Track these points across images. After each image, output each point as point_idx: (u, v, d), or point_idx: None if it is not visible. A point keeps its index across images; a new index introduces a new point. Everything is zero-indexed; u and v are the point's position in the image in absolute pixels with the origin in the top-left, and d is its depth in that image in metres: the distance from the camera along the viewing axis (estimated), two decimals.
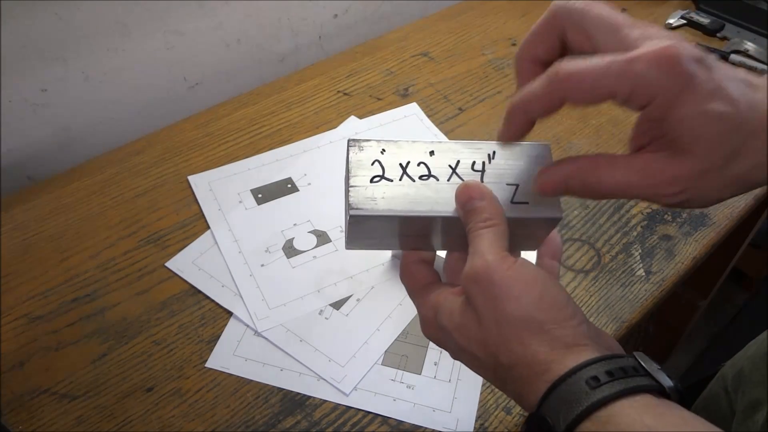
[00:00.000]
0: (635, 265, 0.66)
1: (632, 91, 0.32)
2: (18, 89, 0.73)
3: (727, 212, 0.72)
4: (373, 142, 0.38)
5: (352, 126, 0.81)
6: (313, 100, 0.85)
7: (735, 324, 1.54)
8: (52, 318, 0.61)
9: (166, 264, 0.65)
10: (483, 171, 0.38)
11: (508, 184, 0.38)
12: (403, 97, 0.85)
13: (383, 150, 0.38)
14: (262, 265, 0.65)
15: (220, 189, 0.72)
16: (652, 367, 0.32)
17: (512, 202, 0.37)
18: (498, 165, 0.38)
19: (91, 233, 0.68)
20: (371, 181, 0.37)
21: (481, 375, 0.38)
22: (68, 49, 0.74)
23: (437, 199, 0.37)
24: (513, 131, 0.36)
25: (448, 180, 0.38)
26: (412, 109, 0.83)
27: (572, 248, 0.68)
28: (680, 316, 1.31)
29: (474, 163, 0.38)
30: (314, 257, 0.66)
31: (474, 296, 0.35)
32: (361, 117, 0.82)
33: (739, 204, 0.73)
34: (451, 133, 0.80)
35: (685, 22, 1.00)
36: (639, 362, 0.33)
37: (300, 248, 0.67)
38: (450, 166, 0.38)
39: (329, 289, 0.63)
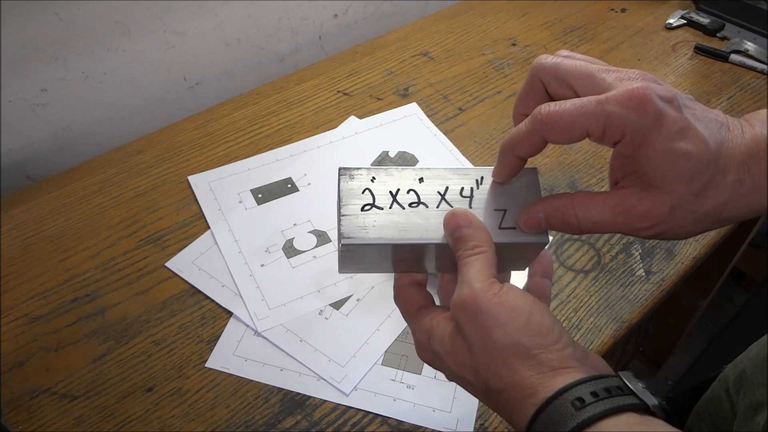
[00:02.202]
0: (635, 265, 0.66)
1: (605, 128, 0.34)
2: (18, 89, 0.73)
3: None
4: (363, 170, 0.40)
5: (352, 126, 0.81)
6: (313, 100, 0.85)
7: (735, 324, 1.54)
8: (52, 318, 0.61)
9: (166, 264, 0.65)
10: (471, 197, 0.39)
11: (495, 210, 0.39)
12: (403, 97, 0.85)
13: (373, 178, 0.39)
14: (262, 265, 0.65)
15: (220, 189, 0.72)
16: (636, 386, 0.34)
17: (500, 227, 0.39)
18: (486, 191, 0.40)
19: (91, 233, 0.68)
20: (362, 209, 0.39)
21: (476, 398, 0.39)
22: (68, 49, 0.74)
23: (427, 226, 0.38)
24: (505, 170, 0.39)
25: (438, 207, 0.39)
26: (412, 109, 0.83)
27: (572, 248, 0.68)
28: (680, 316, 1.31)
29: (462, 189, 0.39)
30: (314, 257, 0.66)
31: (462, 324, 0.36)
32: (361, 117, 0.82)
33: None
34: (451, 133, 0.80)
35: (685, 22, 1.00)
36: (624, 382, 0.34)
37: (300, 248, 0.67)
38: (439, 192, 0.39)
39: (329, 289, 0.63)
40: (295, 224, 0.69)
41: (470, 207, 0.39)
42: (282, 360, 0.58)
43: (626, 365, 1.40)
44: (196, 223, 0.69)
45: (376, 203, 0.39)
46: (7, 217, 0.69)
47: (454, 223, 0.37)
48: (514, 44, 0.96)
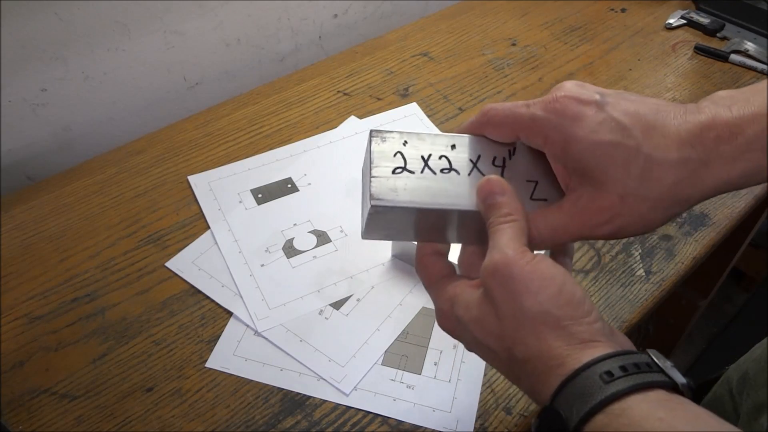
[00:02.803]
0: (635, 265, 0.66)
1: (529, 129, 0.37)
2: (18, 89, 0.73)
3: (727, 212, 0.72)
4: (395, 133, 0.39)
5: (352, 126, 0.81)
6: (313, 100, 0.85)
7: (735, 324, 1.54)
8: (52, 318, 0.61)
9: (166, 264, 0.65)
10: (504, 167, 0.39)
11: (527, 181, 0.39)
12: (403, 97, 0.85)
13: (405, 142, 0.39)
14: (262, 265, 0.65)
15: (220, 189, 0.72)
16: (665, 363, 0.33)
17: (531, 198, 0.38)
18: (518, 161, 0.39)
19: (91, 233, 0.68)
20: (393, 172, 0.38)
21: (495, 367, 0.39)
22: (68, 49, 0.74)
23: (458, 192, 0.38)
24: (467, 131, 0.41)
25: (469, 174, 0.38)
26: (412, 109, 0.83)
27: None
28: (680, 316, 1.31)
29: (495, 158, 0.39)
30: (314, 257, 0.66)
31: (492, 289, 0.35)
32: (361, 117, 0.82)
33: (739, 204, 0.73)
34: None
35: (685, 22, 1.00)
36: (652, 358, 0.33)
37: (300, 248, 0.67)
38: (471, 160, 0.39)
39: (329, 289, 0.63)
40: (295, 224, 0.69)
41: (502, 176, 0.38)
42: (282, 360, 0.58)
43: None
44: (196, 223, 0.69)
45: (407, 167, 0.38)
46: (7, 217, 0.69)
47: (487, 190, 0.37)
48: (514, 44, 0.96)
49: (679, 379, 0.32)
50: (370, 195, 0.37)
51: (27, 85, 0.74)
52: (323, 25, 0.98)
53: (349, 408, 0.55)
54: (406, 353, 0.59)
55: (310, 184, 0.73)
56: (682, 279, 0.67)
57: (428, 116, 0.82)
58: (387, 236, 0.42)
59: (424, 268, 0.42)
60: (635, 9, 1.04)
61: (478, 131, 0.40)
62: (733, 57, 0.93)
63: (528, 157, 0.39)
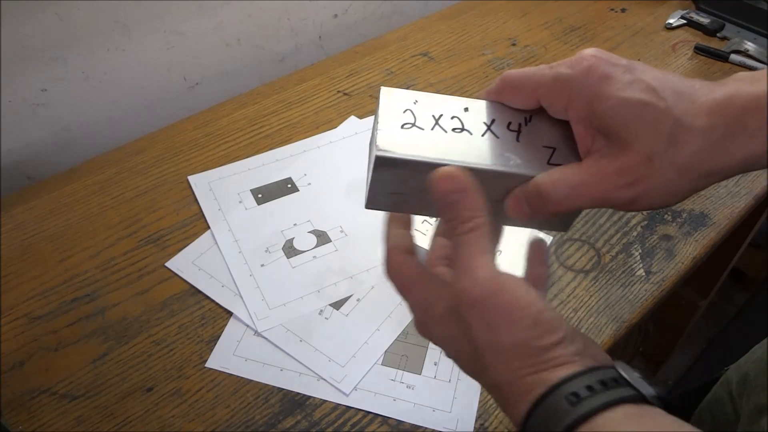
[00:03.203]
0: (635, 265, 0.66)
1: (553, 89, 0.35)
2: (18, 89, 0.73)
3: (727, 212, 0.72)
4: (405, 91, 0.37)
5: (352, 126, 0.81)
6: (313, 100, 0.85)
7: (735, 324, 1.54)
8: (52, 318, 0.61)
9: (166, 264, 0.65)
10: (519, 132, 0.37)
11: (544, 147, 0.37)
12: None
13: (416, 100, 0.37)
14: (262, 265, 0.65)
15: (220, 189, 0.72)
16: (632, 376, 0.33)
17: (548, 163, 0.36)
18: (535, 127, 0.37)
19: (91, 233, 0.68)
20: (402, 127, 0.36)
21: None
22: (68, 49, 0.74)
23: (470, 151, 0.36)
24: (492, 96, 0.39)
25: (482, 135, 0.36)
26: None
27: (572, 248, 0.68)
28: (680, 316, 1.31)
29: (510, 123, 0.37)
30: (314, 257, 0.66)
31: (467, 318, 0.34)
32: (361, 117, 0.82)
33: (739, 204, 0.73)
34: None
35: (685, 22, 1.00)
36: (619, 373, 0.33)
37: (300, 248, 0.67)
38: (485, 123, 0.37)
39: (329, 289, 0.63)
40: (295, 224, 0.69)
41: (518, 141, 0.36)
42: (282, 360, 0.58)
43: (626, 365, 1.40)
44: (196, 223, 0.69)
45: (416, 123, 0.36)
46: (7, 217, 0.69)
47: (444, 187, 0.34)
48: (514, 44, 0.96)
49: (647, 391, 0.32)
50: (376, 146, 0.35)
51: (27, 85, 0.74)
52: (323, 25, 0.98)
53: (349, 408, 0.55)
54: (406, 353, 0.59)
55: (310, 184, 0.73)
56: (682, 279, 0.67)
57: None
58: (392, 204, 0.39)
59: (394, 270, 0.39)
60: (635, 9, 1.04)
61: (496, 98, 0.38)
62: (733, 57, 0.93)
63: (545, 124, 0.37)
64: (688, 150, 0.33)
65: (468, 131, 0.36)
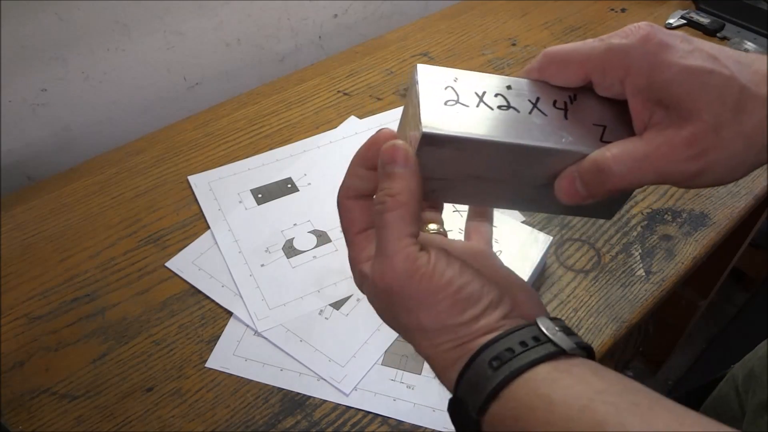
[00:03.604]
0: (635, 265, 0.66)
1: (605, 61, 0.33)
2: (18, 89, 0.73)
3: (727, 212, 0.72)
4: (444, 68, 0.35)
5: (352, 126, 0.81)
6: (313, 100, 0.85)
7: (735, 324, 1.54)
8: (52, 318, 0.61)
9: (166, 264, 0.65)
10: (566, 109, 0.35)
11: (594, 125, 0.35)
12: (403, 97, 0.85)
13: (456, 78, 0.35)
14: (262, 265, 0.65)
15: (220, 189, 0.72)
16: (553, 331, 0.32)
17: (601, 140, 0.34)
18: (582, 105, 0.35)
19: (91, 233, 0.68)
20: (445, 104, 0.33)
21: None
22: (68, 49, 0.74)
23: (520, 129, 0.33)
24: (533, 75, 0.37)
25: (530, 113, 0.34)
26: None
27: (572, 248, 0.68)
28: (680, 316, 1.31)
29: (555, 101, 0.35)
30: (314, 257, 0.66)
31: (387, 303, 0.34)
32: (361, 117, 0.82)
33: (739, 204, 0.73)
34: None
35: (685, 22, 1.00)
36: (541, 329, 0.32)
37: (300, 248, 0.67)
38: (530, 101, 0.35)
39: (329, 289, 0.63)
40: (295, 224, 0.69)
41: (565, 119, 0.34)
42: (282, 360, 0.58)
43: (626, 365, 1.40)
44: (196, 223, 0.69)
45: (460, 100, 0.33)
46: (7, 217, 0.69)
47: (389, 154, 0.33)
48: (514, 44, 0.96)
49: (567, 344, 0.31)
50: (421, 123, 0.32)
51: (27, 85, 0.74)
52: (323, 25, 0.98)
53: (349, 408, 0.55)
54: (406, 353, 0.59)
55: (310, 184, 0.73)
56: (682, 279, 0.67)
57: None
58: (431, 191, 0.36)
59: (343, 214, 0.38)
60: (635, 9, 1.04)
61: (539, 75, 0.36)
62: None
63: (592, 101, 0.35)
64: (756, 118, 0.31)
65: (515, 108, 0.34)
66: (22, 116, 0.75)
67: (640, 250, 0.68)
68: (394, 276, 0.33)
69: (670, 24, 1.00)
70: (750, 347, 0.65)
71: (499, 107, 0.34)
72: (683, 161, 0.32)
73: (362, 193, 0.37)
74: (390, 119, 0.82)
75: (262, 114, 0.83)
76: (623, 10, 1.04)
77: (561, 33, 0.98)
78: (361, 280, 0.37)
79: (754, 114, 0.31)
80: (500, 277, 0.36)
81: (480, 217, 0.41)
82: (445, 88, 0.34)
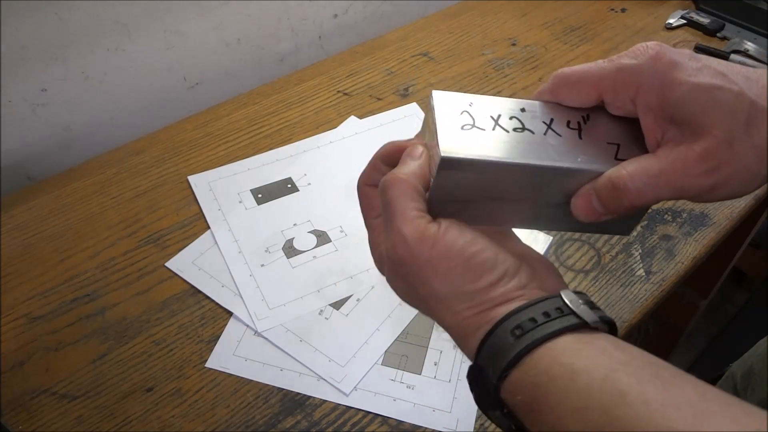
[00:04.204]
0: (635, 265, 0.66)
1: (616, 81, 0.34)
2: (18, 89, 0.73)
3: (727, 212, 0.72)
4: (458, 94, 0.36)
5: (352, 126, 0.81)
6: (313, 100, 0.85)
7: (735, 324, 1.54)
8: (52, 318, 0.61)
9: (166, 264, 0.65)
10: (580, 129, 0.36)
11: (608, 143, 0.35)
12: (403, 97, 0.85)
13: (471, 103, 0.36)
14: (262, 265, 0.65)
15: (220, 189, 0.72)
16: (577, 304, 0.33)
17: (616, 158, 0.35)
18: (596, 124, 0.36)
19: (91, 233, 0.68)
20: (462, 128, 0.35)
21: None
22: (68, 49, 0.74)
23: (536, 150, 0.34)
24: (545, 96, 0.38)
25: (544, 134, 0.35)
26: (412, 109, 0.83)
27: (572, 248, 0.68)
28: (680, 316, 1.31)
29: (569, 122, 0.36)
30: (314, 257, 0.66)
31: (403, 275, 0.35)
32: (361, 117, 0.82)
33: (739, 204, 0.73)
34: None
35: (685, 22, 1.00)
36: (564, 302, 0.33)
37: (300, 248, 0.67)
38: (544, 122, 0.36)
39: (329, 289, 0.63)
40: (295, 224, 0.69)
41: (580, 138, 0.35)
42: (282, 360, 0.58)
43: None
44: (196, 223, 0.69)
45: (476, 124, 0.35)
46: (7, 217, 0.69)
47: (408, 150, 0.36)
48: (514, 44, 0.96)
49: (590, 317, 0.32)
50: (439, 148, 0.33)
51: (27, 85, 0.74)
52: (323, 25, 0.98)
53: (349, 408, 0.55)
54: (406, 353, 0.59)
55: (310, 184, 0.73)
56: (682, 279, 0.67)
57: None
58: (453, 213, 0.37)
59: (362, 199, 0.40)
60: (635, 9, 1.04)
61: (552, 97, 0.37)
62: (733, 57, 0.93)
63: (605, 120, 0.36)
64: (766, 131, 0.32)
65: (530, 130, 0.35)
66: (22, 116, 0.75)
67: (640, 250, 0.68)
68: (405, 246, 0.34)
69: (670, 24, 1.00)
70: (750, 347, 0.65)
71: (515, 129, 0.35)
72: (698, 176, 0.32)
73: (388, 163, 0.39)
74: (390, 119, 0.82)
75: (262, 114, 0.83)
76: (623, 10, 1.04)
77: (561, 33, 0.98)
78: (380, 261, 0.38)
79: (764, 127, 0.32)
80: (518, 251, 0.37)
81: None
82: (461, 113, 0.35)
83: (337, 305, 0.62)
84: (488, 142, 0.34)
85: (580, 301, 0.33)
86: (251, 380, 0.57)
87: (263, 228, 0.68)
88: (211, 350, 0.58)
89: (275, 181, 0.73)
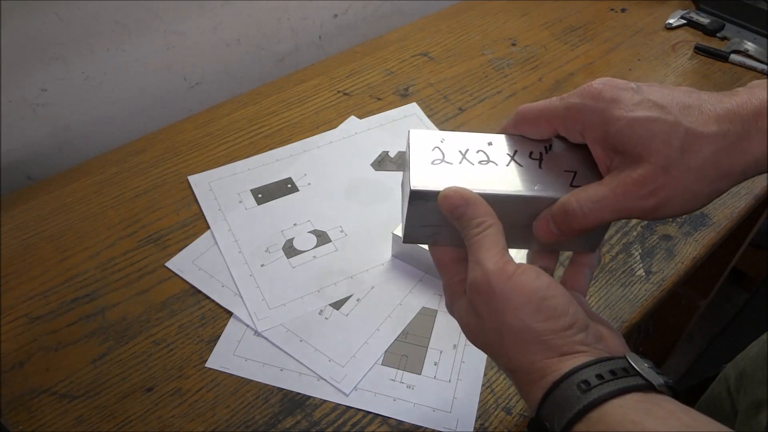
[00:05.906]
0: (635, 265, 0.66)
1: (566, 118, 0.38)
2: (18, 89, 0.73)
3: (727, 212, 0.72)
4: (432, 132, 0.41)
5: (352, 126, 0.81)
6: (313, 100, 0.85)
7: (735, 324, 1.54)
8: (52, 318, 0.61)
9: (166, 264, 0.65)
10: (541, 159, 0.40)
11: (565, 171, 0.40)
12: (403, 97, 0.85)
13: (443, 139, 0.41)
14: (262, 265, 0.65)
15: (220, 189, 0.72)
16: (642, 366, 0.34)
17: (571, 185, 0.39)
18: (556, 154, 0.40)
19: (91, 233, 0.68)
20: (432, 163, 0.39)
21: None
22: (68, 49, 0.74)
23: (497, 180, 0.39)
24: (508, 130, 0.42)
25: (507, 165, 0.40)
26: (412, 109, 0.83)
27: None
28: (680, 316, 1.31)
29: (531, 152, 0.40)
30: (314, 257, 0.66)
31: (477, 305, 0.37)
32: (361, 117, 0.82)
33: (739, 204, 0.73)
34: None
35: (685, 22, 1.00)
36: (630, 363, 0.34)
37: (300, 248, 0.67)
38: (508, 154, 0.40)
39: (329, 289, 0.63)
40: (295, 224, 0.69)
41: (540, 167, 0.40)
42: (282, 360, 0.58)
43: None
44: (196, 223, 0.69)
45: (445, 159, 0.40)
46: (7, 217, 0.69)
47: (448, 204, 0.38)
48: (514, 44, 0.96)
49: (657, 380, 0.33)
50: (410, 182, 0.38)
51: (27, 85, 0.74)
52: (323, 25, 0.98)
53: (349, 408, 0.55)
54: (406, 353, 0.59)
55: (310, 184, 0.73)
56: (682, 279, 0.67)
57: (428, 116, 0.82)
58: (428, 237, 0.42)
59: (435, 251, 0.43)
60: (635, 9, 1.04)
61: (515, 130, 0.41)
62: (733, 57, 0.93)
63: (565, 150, 0.40)
64: (702, 155, 0.35)
65: (493, 162, 0.40)
66: (22, 116, 0.75)
67: (640, 250, 0.68)
68: (484, 276, 0.36)
69: (670, 24, 1.00)
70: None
71: (480, 162, 0.40)
72: (638, 199, 0.36)
73: (457, 257, 0.42)
74: (390, 119, 0.82)
75: (262, 114, 0.83)
76: (623, 10, 1.04)
77: (561, 33, 0.98)
78: (452, 300, 0.41)
79: (701, 151, 0.35)
80: (588, 311, 0.40)
81: (581, 265, 0.44)
82: (433, 149, 0.40)
83: (337, 305, 0.62)
84: (453, 175, 0.39)
85: (646, 364, 0.34)
86: (251, 380, 0.57)
87: (263, 228, 0.68)
88: (211, 350, 0.58)
89: (275, 181, 0.73)
